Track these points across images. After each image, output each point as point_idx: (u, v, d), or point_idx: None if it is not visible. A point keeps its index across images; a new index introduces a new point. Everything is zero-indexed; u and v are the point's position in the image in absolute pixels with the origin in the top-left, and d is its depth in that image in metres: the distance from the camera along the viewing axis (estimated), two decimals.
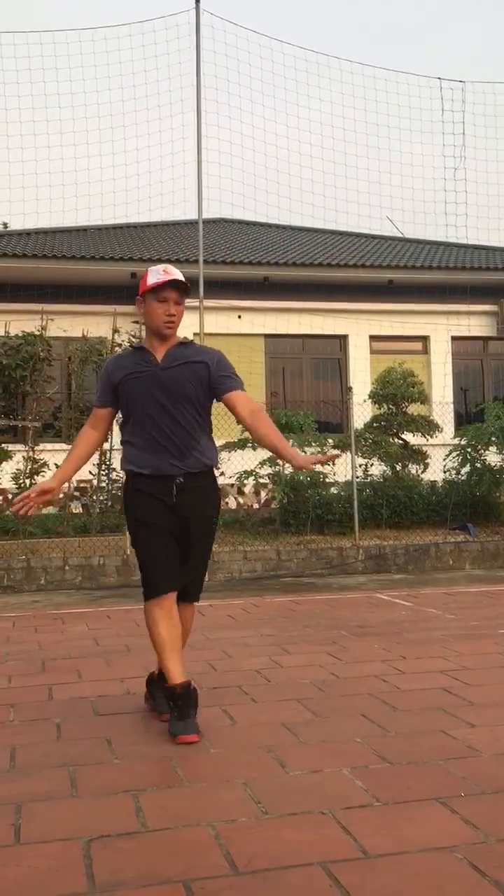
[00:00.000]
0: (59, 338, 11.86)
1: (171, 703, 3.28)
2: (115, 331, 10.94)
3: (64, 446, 10.77)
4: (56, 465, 10.26)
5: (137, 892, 2.01)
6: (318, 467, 3.48)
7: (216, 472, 3.56)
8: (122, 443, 3.47)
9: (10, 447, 10.42)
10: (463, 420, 14.78)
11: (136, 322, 11.60)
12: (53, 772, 2.87)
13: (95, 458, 10.62)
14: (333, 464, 10.45)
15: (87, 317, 12.39)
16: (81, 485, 10.99)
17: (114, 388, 3.45)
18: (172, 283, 3.37)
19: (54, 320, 10.89)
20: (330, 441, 11.25)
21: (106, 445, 10.64)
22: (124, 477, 3.51)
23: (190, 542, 3.41)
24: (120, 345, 10.82)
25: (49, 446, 10.64)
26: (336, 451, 3.50)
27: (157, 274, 3.37)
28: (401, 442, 11.90)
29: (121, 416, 3.52)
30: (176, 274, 3.37)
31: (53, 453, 10.48)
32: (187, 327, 13.86)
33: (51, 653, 5.05)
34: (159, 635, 3.31)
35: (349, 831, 2.31)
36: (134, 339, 10.90)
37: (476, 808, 2.45)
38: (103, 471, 10.61)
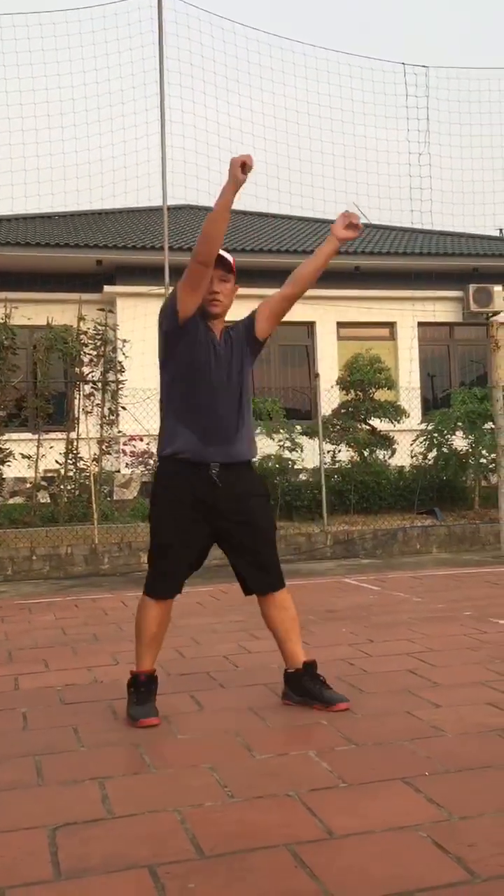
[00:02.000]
0: (23, 326, 11.72)
1: (133, 689, 3.31)
2: (81, 318, 10.84)
3: (30, 436, 10.69)
4: (22, 454, 10.18)
5: (103, 879, 2.00)
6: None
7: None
8: (165, 420, 3.28)
9: None
10: (430, 405, 14.89)
11: (102, 310, 11.52)
12: (19, 761, 2.86)
13: (62, 447, 10.53)
14: (301, 449, 10.49)
15: (52, 305, 12.25)
16: (49, 474, 10.91)
17: (189, 320, 3.21)
18: None
19: (18, 308, 10.76)
20: (298, 428, 11.27)
21: (73, 435, 10.57)
22: (161, 462, 3.33)
23: (239, 536, 3.28)
24: (85, 332, 10.72)
25: (14, 436, 10.54)
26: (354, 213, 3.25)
27: None
28: (368, 428, 11.95)
29: (164, 379, 3.30)
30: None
31: (19, 443, 10.38)
32: (152, 315, 13.77)
33: (17, 643, 5.01)
34: (147, 629, 3.27)
35: (314, 812, 2.32)
36: (100, 327, 10.81)
37: (440, 786, 2.48)
38: (70, 460, 10.53)
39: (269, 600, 3.34)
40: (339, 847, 2.12)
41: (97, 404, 10.56)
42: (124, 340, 10.97)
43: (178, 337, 3.25)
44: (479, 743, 2.86)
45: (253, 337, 3.37)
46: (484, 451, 11.20)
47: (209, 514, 3.24)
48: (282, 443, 10.84)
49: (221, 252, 3.22)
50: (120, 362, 10.80)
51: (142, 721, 3.18)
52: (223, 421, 3.24)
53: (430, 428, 11.58)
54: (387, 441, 11.83)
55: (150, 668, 3.32)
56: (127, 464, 11.91)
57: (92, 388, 10.63)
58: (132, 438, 11.92)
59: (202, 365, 3.24)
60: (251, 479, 3.37)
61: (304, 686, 3.34)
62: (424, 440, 11.56)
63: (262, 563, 3.32)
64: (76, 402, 10.61)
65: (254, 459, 3.41)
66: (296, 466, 11.05)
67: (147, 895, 1.92)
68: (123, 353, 10.79)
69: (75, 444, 10.53)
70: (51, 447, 10.54)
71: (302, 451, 10.98)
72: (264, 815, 2.33)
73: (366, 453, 11.68)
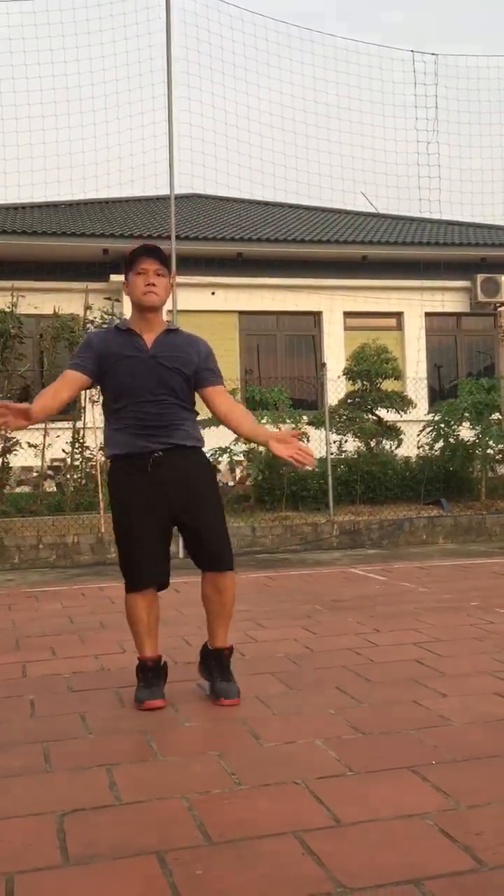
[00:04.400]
0: (30, 315, 11.72)
1: (141, 673, 3.37)
2: (88, 307, 10.83)
3: (36, 425, 10.69)
4: (28, 443, 10.20)
5: (111, 865, 2.01)
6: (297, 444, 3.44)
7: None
8: (108, 429, 3.39)
9: None
10: (437, 396, 14.86)
11: (109, 298, 11.51)
12: (27, 748, 2.87)
13: (69, 436, 10.54)
14: (307, 440, 10.48)
15: (58, 293, 12.25)
16: (55, 463, 10.91)
17: (97, 361, 3.31)
18: (144, 250, 3.31)
19: (25, 297, 10.75)
20: (304, 418, 11.26)
21: (79, 424, 10.57)
22: (110, 464, 3.43)
23: (187, 513, 3.30)
24: (92, 321, 10.71)
25: None
26: (301, 431, 3.37)
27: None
28: (375, 418, 11.94)
29: (102, 397, 3.43)
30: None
31: (25, 432, 10.38)
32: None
33: (25, 631, 5.03)
34: (137, 622, 3.35)
35: (322, 801, 2.33)
36: (106, 316, 10.80)
37: (447, 775, 2.48)
38: (77, 449, 10.54)
39: (209, 578, 3.33)
40: (347, 835, 2.12)
41: None
42: None
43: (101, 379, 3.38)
44: (486, 732, 2.86)
45: (194, 383, 3.38)
46: (491, 442, 11.19)
47: (160, 496, 3.27)
48: None
49: (157, 245, 3.35)
50: None
51: (146, 703, 3.24)
52: (160, 419, 3.28)
53: (436, 418, 11.55)
54: (393, 431, 11.81)
55: (154, 655, 3.37)
56: None
57: None
58: None
59: (127, 389, 3.28)
60: (197, 461, 3.38)
61: (207, 666, 3.44)
62: (431, 431, 11.54)
63: (208, 540, 3.30)
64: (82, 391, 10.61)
65: (199, 446, 3.40)
66: None
67: (155, 881, 1.92)
68: None
69: (81, 433, 10.53)
70: (57, 436, 10.55)
71: (308, 440, 10.97)
72: (272, 802, 2.34)
73: (372, 443, 11.66)
